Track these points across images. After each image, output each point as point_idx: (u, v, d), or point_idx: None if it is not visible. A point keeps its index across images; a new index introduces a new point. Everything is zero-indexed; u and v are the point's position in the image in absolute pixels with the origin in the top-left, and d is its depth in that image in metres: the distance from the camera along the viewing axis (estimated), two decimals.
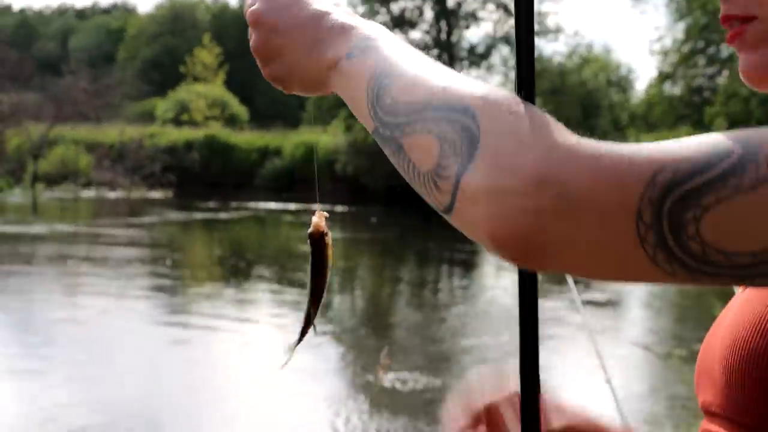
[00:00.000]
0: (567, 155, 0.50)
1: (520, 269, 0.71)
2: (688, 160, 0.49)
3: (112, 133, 35.16)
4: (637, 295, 12.73)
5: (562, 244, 0.50)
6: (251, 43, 0.77)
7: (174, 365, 7.92)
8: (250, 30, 0.77)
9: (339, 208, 25.39)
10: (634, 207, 0.49)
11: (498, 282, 14.18)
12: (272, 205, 28.17)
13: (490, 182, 0.51)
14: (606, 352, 8.38)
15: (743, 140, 0.50)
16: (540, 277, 0.74)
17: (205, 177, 33.97)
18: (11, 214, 24.47)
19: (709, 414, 0.73)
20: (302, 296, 11.66)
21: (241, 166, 35.08)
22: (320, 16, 0.73)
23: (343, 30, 0.71)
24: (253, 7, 0.76)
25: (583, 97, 25.70)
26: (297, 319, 0.87)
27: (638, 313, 12.05)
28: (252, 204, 28.23)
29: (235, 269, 14.46)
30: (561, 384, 7.59)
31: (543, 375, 0.76)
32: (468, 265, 15.96)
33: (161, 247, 17.25)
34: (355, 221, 23.63)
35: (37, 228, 19.68)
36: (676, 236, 0.49)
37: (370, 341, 9.17)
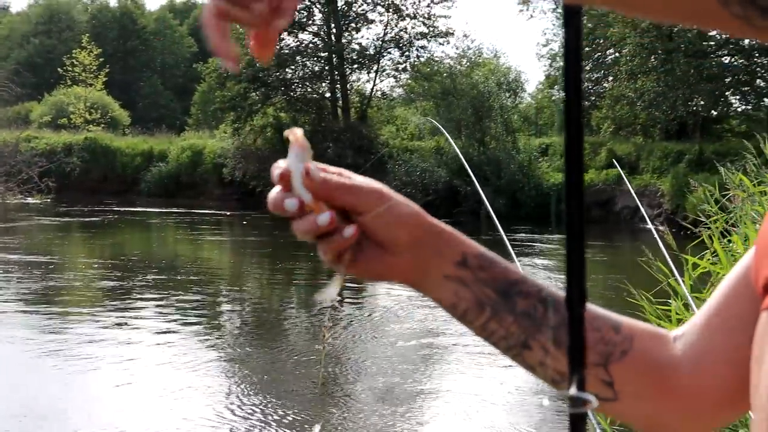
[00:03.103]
0: None
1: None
2: None
3: None
4: None
5: None
6: None
7: (43, 378, 7.20)
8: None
9: (227, 213, 24.80)
10: None
11: None
12: (156, 211, 27.06)
13: None
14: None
15: None
16: None
17: (85, 182, 32.64)
18: None
19: None
20: (181, 302, 10.87)
21: (123, 172, 33.80)
22: None
23: None
24: None
25: (474, 99, 25.74)
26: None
27: None
28: (134, 209, 27.08)
29: (114, 276, 13.54)
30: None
31: None
32: None
33: (36, 253, 16.09)
34: (243, 226, 23.10)
35: None
36: None
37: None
